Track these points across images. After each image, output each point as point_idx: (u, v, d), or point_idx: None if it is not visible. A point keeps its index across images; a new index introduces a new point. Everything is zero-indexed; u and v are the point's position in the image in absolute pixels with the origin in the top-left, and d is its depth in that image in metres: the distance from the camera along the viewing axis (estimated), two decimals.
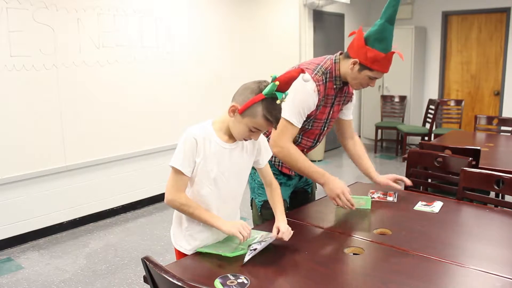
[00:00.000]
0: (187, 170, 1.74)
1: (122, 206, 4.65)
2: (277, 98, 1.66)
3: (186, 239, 1.86)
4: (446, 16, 7.40)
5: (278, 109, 1.70)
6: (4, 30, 3.60)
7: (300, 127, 2.19)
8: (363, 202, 2.28)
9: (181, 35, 4.94)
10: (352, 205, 2.17)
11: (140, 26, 4.53)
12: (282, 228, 1.82)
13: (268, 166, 1.99)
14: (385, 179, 2.44)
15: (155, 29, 4.68)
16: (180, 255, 1.88)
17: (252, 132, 1.73)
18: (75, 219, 4.27)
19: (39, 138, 3.91)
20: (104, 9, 4.22)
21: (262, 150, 1.93)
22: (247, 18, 5.73)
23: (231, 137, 1.80)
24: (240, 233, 1.72)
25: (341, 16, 7.42)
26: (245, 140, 1.79)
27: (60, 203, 4.12)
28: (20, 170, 3.81)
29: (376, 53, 2.04)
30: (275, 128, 1.77)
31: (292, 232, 1.83)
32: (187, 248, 1.85)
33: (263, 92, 1.66)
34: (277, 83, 1.64)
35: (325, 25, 7.09)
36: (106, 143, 4.39)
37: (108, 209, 4.52)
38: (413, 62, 7.24)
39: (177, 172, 1.74)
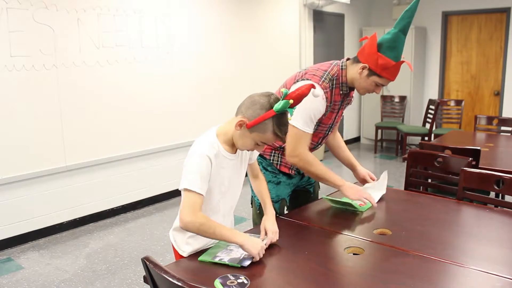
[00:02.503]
0: (205, 190, 1.70)
1: (122, 206, 4.65)
2: (285, 113, 1.67)
3: (187, 241, 1.85)
4: (446, 16, 7.40)
5: (287, 123, 1.71)
6: (4, 30, 3.60)
7: (312, 132, 2.19)
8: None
9: (181, 35, 4.94)
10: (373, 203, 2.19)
11: (140, 26, 4.53)
12: (269, 228, 1.82)
13: (257, 162, 2.03)
14: (365, 173, 2.46)
15: (155, 29, 4.68)
16: (181, 256, 1.87)
17: (258, 146, 1.74)
18: (75, 219, 4.27)
19: (39, 138, 3.91)
20: (104, 9, 4.22)
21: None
22: (247, 18, 5.73)
23: (233, 147, 1.80)
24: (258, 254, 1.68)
25: (341, 16, 7.42)
26: (248, 151, 1.80)
27: (60, 203, 4.12)
28: (20, 170, 3.81)
29: (387, 60, 2.05)
30: (283, 142, 1.78)
31: (277, 231, 1.83)
32: (189, 250, 1.84)
33: (274, 109, 1.64)
34: (291, 101, 1.63)
35: (325, 25, 7.09)
36: (106, 143, 4.39)
37: (108, 209, 4.52)
38: (413, 62, 7.23)
39: (194, 193, 1.66)
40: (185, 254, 1.83)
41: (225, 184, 1.80)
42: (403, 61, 2.09)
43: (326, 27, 7.12)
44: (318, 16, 6.89)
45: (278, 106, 1.63)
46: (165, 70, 4.83)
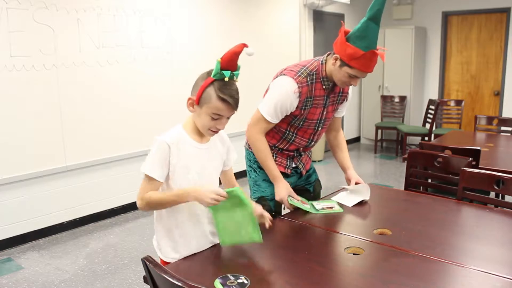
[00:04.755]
0: (159, 175, 1.72)
1: (122, 206, 4.65)
2: (229, 80, 1.70)
3: (173, 247, 1.81)
4: (446, 16, 7.40)
5: (234, 89, 1.72)
6: (4, 30, 3.60)
7: (275, 123, 2.23)
8: (331, 204, 2.28)
9: (181, 35, 4.94)
10: (291, 205, 2.21)
11: (140, 26, 4.53)
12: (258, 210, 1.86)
13: (232, 170, 2.01)
14: (354, 177, 2.43)
15: (155, 29, 4.68)
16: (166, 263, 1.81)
17: (215, 120, 1.72)
18: (75, 219, 4.27)
19: (39, 138, 3.90)
20: (104, 9, 4.22)
21: (230, 149, 1.95)
22: (247, 18, 5.73)
23: (204, 137, 1.82)
24: (215, 200, 1.65)
25: (341, 16, 7.42)
26: (212, 131, 1.77)
27: (60, 203, 4.12)
28: (20, 170, 3.81)
29: (356, 50, 2.01)
30: (235, 109, 1.74)
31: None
32: (177, 257, 1.79)
33: (211, 75, 1.70)
34: (219, 59, 1.68)
35: (325, 25, 7.09)
36: (106, 143, 4.39)
37: (108, 209, 4.52)
38: (413, 62, 7.23)
39: (148, 178, 1.73)
40: (172, 261, 1.78)
41: (192, 173, 1.77)
42: (374, 51, 2.01)
43: (326, 27, 7.12)
44: (318, 16, 6.89)
45: (214, 72, 1.70)
46: (165, 70, 4.83)
